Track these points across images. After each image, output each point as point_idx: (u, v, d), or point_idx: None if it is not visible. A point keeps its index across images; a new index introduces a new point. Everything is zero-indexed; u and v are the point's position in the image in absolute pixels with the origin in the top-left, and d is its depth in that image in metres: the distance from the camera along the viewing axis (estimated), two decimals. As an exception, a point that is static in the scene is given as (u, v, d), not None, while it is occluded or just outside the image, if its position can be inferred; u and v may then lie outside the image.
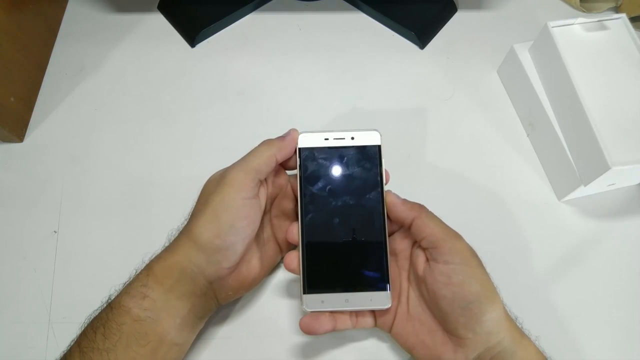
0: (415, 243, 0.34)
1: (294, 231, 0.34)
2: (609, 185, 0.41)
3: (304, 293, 0.33)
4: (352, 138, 0.35)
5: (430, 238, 0.32)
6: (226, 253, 0.32)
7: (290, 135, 0.35)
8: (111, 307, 0.31)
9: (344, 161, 0.35)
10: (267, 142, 0.35)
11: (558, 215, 0.43)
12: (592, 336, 0.38)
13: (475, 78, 0.50)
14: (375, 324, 0.35)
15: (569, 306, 0.39)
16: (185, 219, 0.34)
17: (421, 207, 0.33)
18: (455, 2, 0.54)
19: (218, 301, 0.35)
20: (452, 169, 0.45)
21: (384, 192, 0.34)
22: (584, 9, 0.53)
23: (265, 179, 0.35)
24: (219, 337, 0.38)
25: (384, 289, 0.33)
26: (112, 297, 0.32)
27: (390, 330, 0.35)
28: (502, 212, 0.43)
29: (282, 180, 0.37)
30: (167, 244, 0.34)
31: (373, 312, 0.35)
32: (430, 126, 0.47)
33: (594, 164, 0.37)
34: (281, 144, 0.35)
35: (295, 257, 0.34)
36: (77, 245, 0.42)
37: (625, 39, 0.42)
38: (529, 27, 0.52)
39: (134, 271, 0.33)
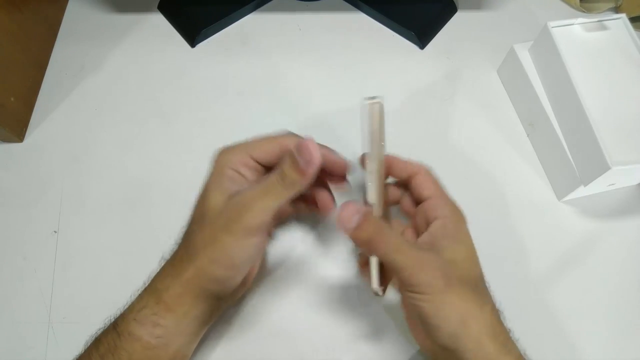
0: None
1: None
2: (609, 185, 0.41)
3: None
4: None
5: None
6: (240, 276, 0.32)
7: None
8: (119, 334, 0.30)
9: None
10: (287, 184, 0.30)
11: (558, 215, 0.43)
12: (592, 336, 0.38)
13: (475, 78, 0.50)
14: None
15: (569, 306, 0.39)
16: (183, 227, 0.33)
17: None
18: (455, 2, 0.54)
19: (225, 305, 0.35)
20: (452, 169, 0.45)
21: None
22: (584, 9, 0.53)
23: None
24: (220, 338, 0.38)
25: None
26: (117, 319, 0.31)
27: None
28: (502, 212, 0.43)
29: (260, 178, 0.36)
30: (162, 263, 0.33)
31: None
32: (430, 126, 0.47)
33: (594, 164, 0.37)
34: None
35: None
36: (77, 245, 0.42)
37: (625, 39, 0.42)
38: (529, 27, 0.52)
39: (137, 292, 0.32)
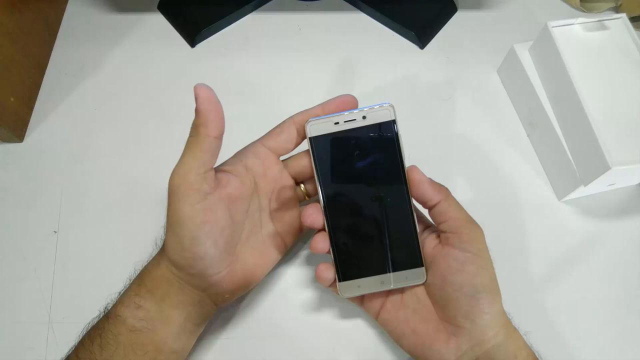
0: (425, 227, 0.35)
1: (312, 214, 0.33)
2: (609, 185, 0.41)
3: (340, 281, 0.33)
4: (364, 117, 0.34)
5: (453, 222, 0.32)
6: (203, 263, 0.31)
7: (205, 108, 0.31)
8: (107, 317, 0.31)
9: (359, 143, 0.33)
10: (194, 133, 0.32)
11: (558, 215, 0.43)
12: (592, 336, 0.38)
13: (475, 78, 0.50)
14: (362, 305, 0.35)
15: (569, 306, 0.39)
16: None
17: (447, 191, 0.33)
18: (455, 2, 0.54)
19: (216, 305, 0.34)
20: (452, 169, 0.45)
21: (408, 168, 0.33)
22: (584, 9, 0.53)
23: (255, 179, 0.34)
24: (221, 338, 0.38)
25: (418, 265, 0.33)
26: (109, 307, 0.32)
27: (377, 316, 0.35)
28: (502, 212, 0.43)
29: (274, 172, 0.36)
30: (155, 251, 0.34)
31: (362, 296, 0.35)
32: (430, 126, 0.47)
33: (594, 164, 0.37)
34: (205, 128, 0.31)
35: (323, 240, 0.33)
36: (77, 245, 0.42)
37: (625, 39, 0.42)
38: (529, 27, 0.52)
39: (128, 280, 0.33)
